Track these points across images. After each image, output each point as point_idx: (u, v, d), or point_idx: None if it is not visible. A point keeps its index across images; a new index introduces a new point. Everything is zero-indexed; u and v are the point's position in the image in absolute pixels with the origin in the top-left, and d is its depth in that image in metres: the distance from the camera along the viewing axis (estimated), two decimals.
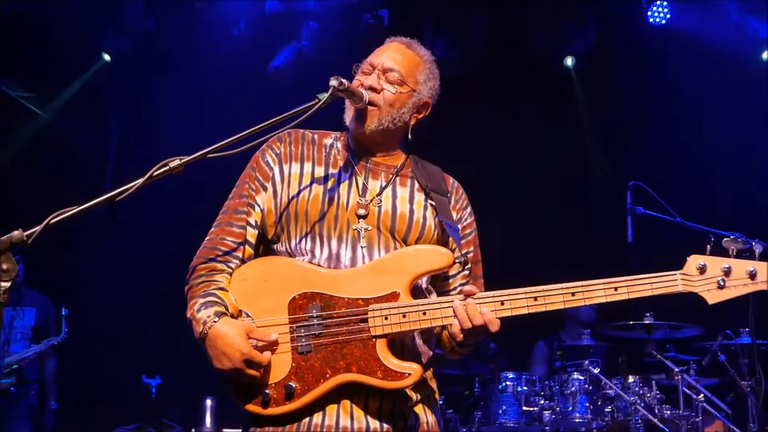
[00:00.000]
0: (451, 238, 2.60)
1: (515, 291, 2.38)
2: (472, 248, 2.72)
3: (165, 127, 7.87)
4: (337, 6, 8.59)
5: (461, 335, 2.37)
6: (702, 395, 6.00)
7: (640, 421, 5.99)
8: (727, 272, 2.32)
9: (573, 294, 2.36)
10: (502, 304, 2.36)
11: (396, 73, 2.62)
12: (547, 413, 6.47)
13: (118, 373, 7.66)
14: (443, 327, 2.51)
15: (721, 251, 2.36)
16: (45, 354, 6.69)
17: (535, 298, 2.36)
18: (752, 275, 2.30)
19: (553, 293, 2.36)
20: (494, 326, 2.35)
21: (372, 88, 2.59)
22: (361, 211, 2.54)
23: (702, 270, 2.33)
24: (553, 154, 8.55)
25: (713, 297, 2.32)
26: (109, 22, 8.02)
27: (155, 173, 2.24)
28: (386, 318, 2.38)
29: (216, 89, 8.12)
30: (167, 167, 2.26)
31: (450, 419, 6.75)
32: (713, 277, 2.32)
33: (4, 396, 6.38)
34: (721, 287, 2.32)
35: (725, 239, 2.35)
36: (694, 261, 2.34)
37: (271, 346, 2.39)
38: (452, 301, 2.40)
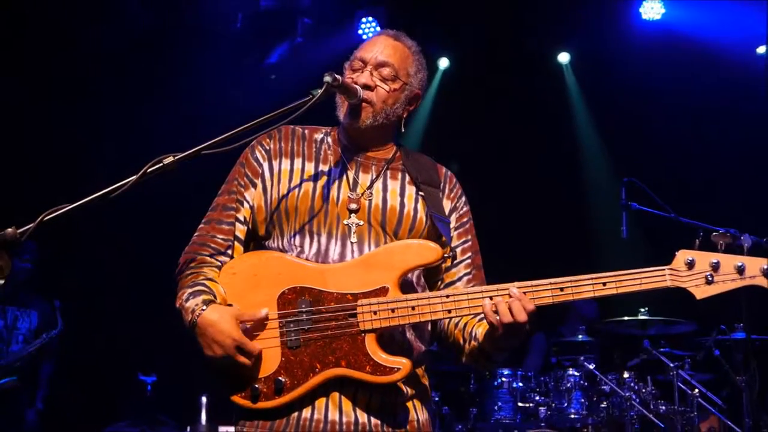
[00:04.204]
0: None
1: (504, 286, 2.38)
2: (469, 237, 2.71)
3: (159, 123, 7.85)
4: (333, 2, 8.58)
5: (501, 331, 2.33)
6: (697, 390, 6.02)
7: (635, 417, 6.01)
8: (716, 267, 2.31)
9: (562, 289, 2.36)
10: (491, 299, 2.36)
11: (389, 67, 2.60)
12: (542, 409, 6.49)
13: (114, 371, 7.65)
14: (469, 340, 2.52)
15: (709, 246, 2.36)
16: (44, 356, 6.70)
17: (524, 293, 2.35)
18: (740, 270, 2.30)
19: (542, 288, 2.36)
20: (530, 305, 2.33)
21: (366, 86, 2.57)
22: (353, 206, 2.53)
23: (690, 265, 2.32)
24: (547, 150, 8.56)
25: (701, 292, 2.32)
26: (104, 16, 7.99)
27: (149, 170, 2.24)
28: (375, 313, 2.38)
29: (210, 85, 8.11)
30: (161, 164, 2.26)
31: (445, 416, 6.76)
32: (701, 272, 2.32)
33: (10, 394, 6.35)
34: (709, 282, 2.31)
35: (714, 234, 2.37)
36: (682, 256, 2.34)
37: (262, 322, 2.40)
38: (443, 296, 2.39)
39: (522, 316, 2.31)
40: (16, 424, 6.50)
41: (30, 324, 6.59)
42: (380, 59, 2.61)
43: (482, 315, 2.40)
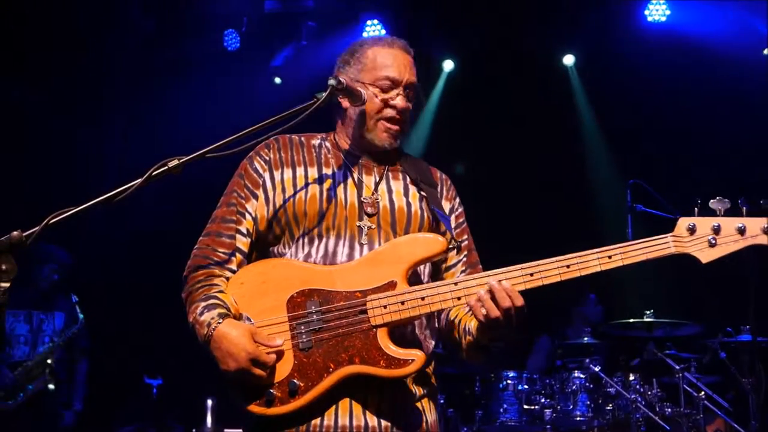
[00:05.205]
0: (444, 228, 2.63)
1: (511, 268, 2.38)
2: (466, 236, 2.75)
3: (164, 126, 7.87)
4: (337, 5, 8.59)
5: (491, 320, 2.33)
6: (703, 393, 5.99)
7: (641, 419, 5.99)
8: (717, 230, 2.35)
9: (568, 266, 2.37)
10: (500, 282, 2.35)
11: (414, 88, 2.65)
12: (548, 411, 6.48)
13: (120, 374, 7.66)
14: (464, 336, 2.52)
15: (709, 213, 2.38)
16: (76, 355, 6.75)
17: (532, 274, 2.36)
18: (742, 231, 2.34)
19: (549, 267, 2.37)
20: (519, 301, 2.33)
21: (404, 110, 2.60)
22: (370, 210, 2.55)
23: (692, 230, 2.36)
24: (552, 153, 8.55)
25: (706, 256, 2.34)
26: (109, 20, 8.01)
27: (154, 173, 2.25)
28: (385, 307, 2.38)
29: (215, 89, 8.12)
30: (166, 167, 2.27)
31: (451, 418, 6.75)
32: (704, 236, 2.35)
33: (43, 395, 6.37)
34: (712, 245, 2.34)
35: (712, 200, 2.38)
36: (683, 223, 2.37)
37: (275, 350, 2.38)
38: (451, 284, 2.40)
39: (506, 303, 2.30)
40: (53, 426, 6.52)
41: (54, 326, 6.61)
42: (410, 80, 2.63)
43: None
